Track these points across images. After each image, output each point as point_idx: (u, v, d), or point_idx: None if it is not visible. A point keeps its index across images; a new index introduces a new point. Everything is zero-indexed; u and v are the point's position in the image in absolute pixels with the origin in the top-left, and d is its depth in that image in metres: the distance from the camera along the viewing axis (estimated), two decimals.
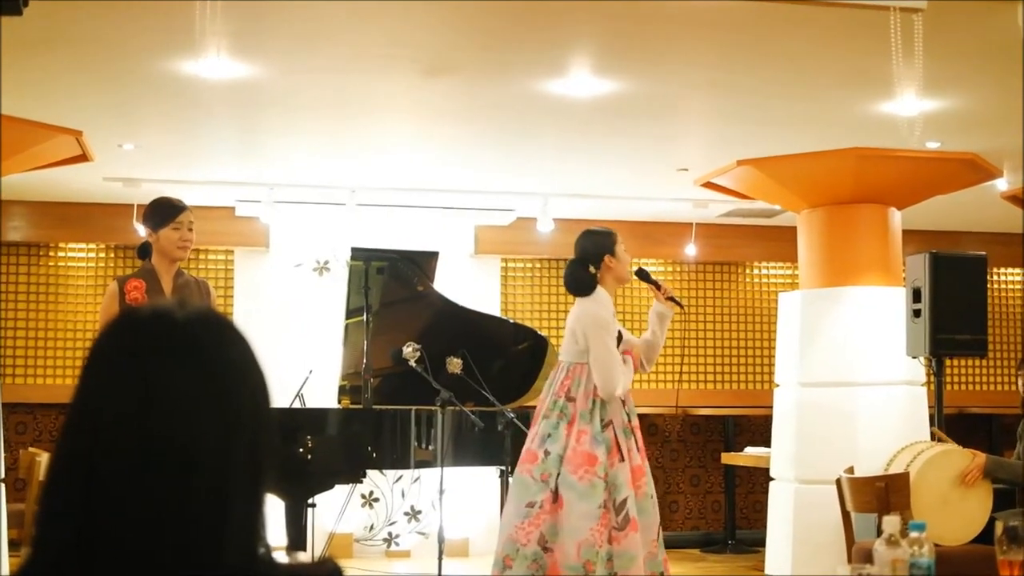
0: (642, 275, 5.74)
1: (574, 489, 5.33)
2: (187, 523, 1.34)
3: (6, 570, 6.38)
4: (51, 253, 10.50)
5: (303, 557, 1.54)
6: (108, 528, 1.33)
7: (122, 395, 1.37)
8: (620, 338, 5.62)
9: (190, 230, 5.69)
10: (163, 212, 5.70)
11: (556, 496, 5.37)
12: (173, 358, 1.39)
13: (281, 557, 1.48)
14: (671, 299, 5.64)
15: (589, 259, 5.69)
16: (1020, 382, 6.73)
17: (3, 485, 7.58)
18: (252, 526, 1.40)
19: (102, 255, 10.53)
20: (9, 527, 6.93)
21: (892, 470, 6.38)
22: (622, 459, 5.37)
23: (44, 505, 1.38)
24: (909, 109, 7.15)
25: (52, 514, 1.36)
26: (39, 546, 1.37)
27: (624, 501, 5.29)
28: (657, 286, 5.68)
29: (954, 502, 6.21)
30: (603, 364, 5.48)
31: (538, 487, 5.43)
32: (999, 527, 2.97)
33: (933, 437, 6.97)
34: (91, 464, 1.35)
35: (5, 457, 7.99)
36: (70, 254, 10.53)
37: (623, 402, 5.54)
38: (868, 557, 2.75)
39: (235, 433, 1.39)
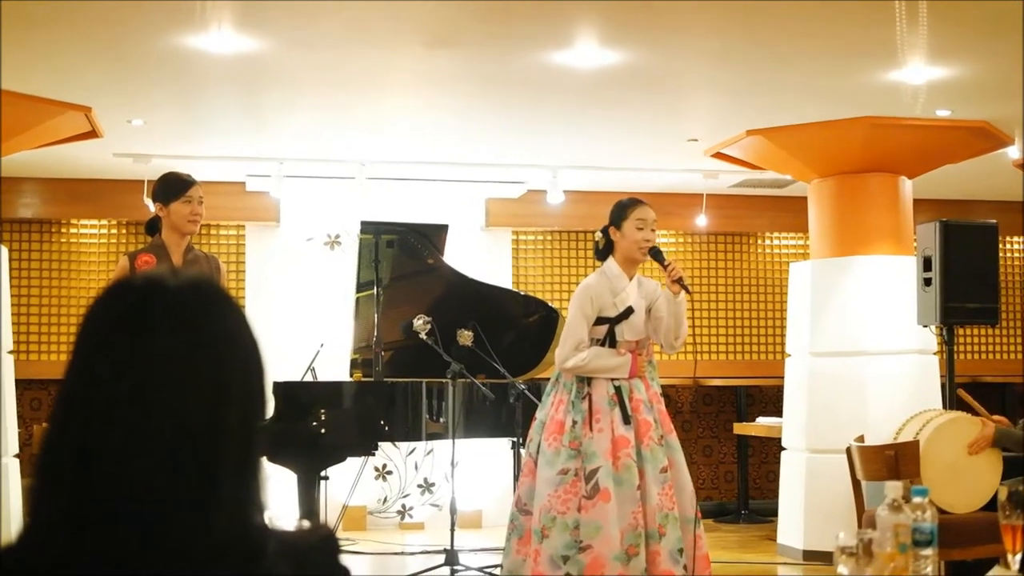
0: (654, 254, 5.60)
1: (544, 455, 5.44)
2: (177, 491, 1.35)
3: None
4: (62, 230, 10.52)
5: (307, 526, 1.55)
6: (99, 497, 1.34)
7: (114, 362, 1.37)
8: (627, 314, 5.56)
9: (200, 204, 5.72)
10: (173, 186, 5.72)
11: (536, 461, 5.45)
12: (164, 326, 1.40)
13: (288, 526, 1.49)
14: (678, 282, 5.45)
15: (605, 230, 5.70)
16: None
17: (18, 460, 7.65)
18: (245, 494, 1.40)
19: (113, 231, 10.55)
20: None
21: (902, 438, 6.38)
22: (600, 430, 5.36)
23: (38, 476, 1.39)
24: (918, 77, 7.12)
25: (46, 485, 1.37)
26: (33, 518, 1.38)
27: (595, 471, 5.28)
28: (664, 267, 5.52)
29: (963, 470, 6.21)
30: (561, 336, 5.59)
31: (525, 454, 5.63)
32: (1003, 492, 2.98)
33: (959, 400, 6.94)
34: (84, 434, 1.36)
35: (20, 433, 8.05)
36: (81, 230, 10.55)
37: (616, 378, 5.48)
38: None
39: (225, 401, 1.40)
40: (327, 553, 1.47)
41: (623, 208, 5.65)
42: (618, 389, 5.43)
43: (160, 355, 1.38)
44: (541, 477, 5.40)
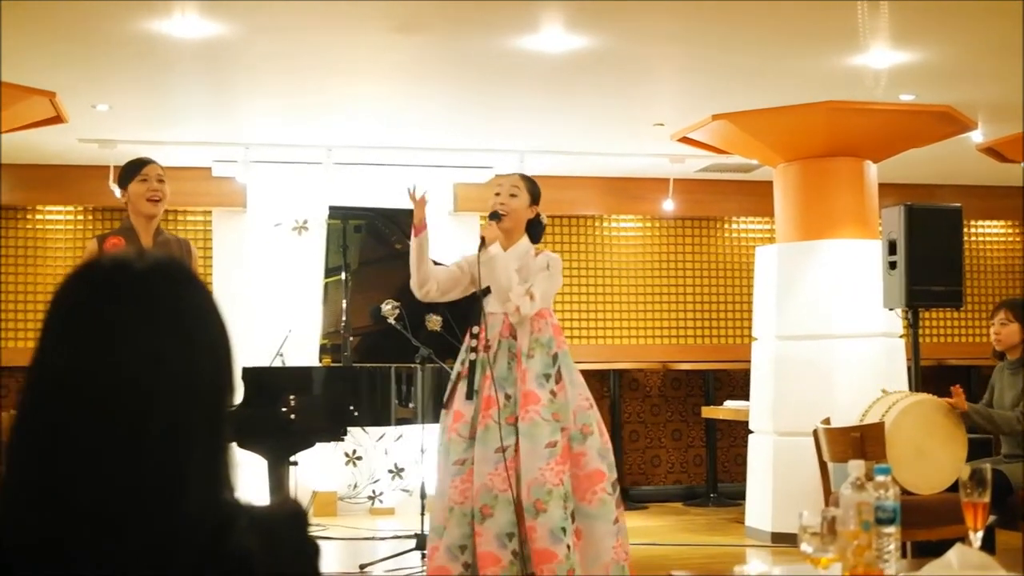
0: (491, 216, 5.55)
1: None
2: (148, 468, 1.36)
3: None
4: (28, 216, 10.46)
5: None
6: (70, 476, 1.35)
7: (81, 343, 1.38)
8: (489, 289, 5.53)
9: (160, 182, 5.65)
10: (129, 168, 5.70)
11: None
12: (131, 306, 1.40)
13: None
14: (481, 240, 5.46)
15: None
16: (992, 330, 6.77)
17: None
18: (214, 471, 1.41)
19: (80, 217, 10.50)
20: None
21: (867, 420, 6.43)
22: (451, 405, 5.46)
23: (9, 459, 1.39)
24: (882, 61, 7.16)
25: (16, 467, 1.38)
26: (4, 501, 1.38)
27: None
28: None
29: (929, 451, 6.26)
30: None
31: None
32: (965, 471, 3.01)
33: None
34: (53, 415, 1.36)
35: None
36: (48, 216, 10.49)
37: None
38: None
39: (193, 381, 1.40)
40: (296, 528, 1.48)
41: None
42: (471, 364, 5.42)
43: (128, 336, 1.38)
44: None
